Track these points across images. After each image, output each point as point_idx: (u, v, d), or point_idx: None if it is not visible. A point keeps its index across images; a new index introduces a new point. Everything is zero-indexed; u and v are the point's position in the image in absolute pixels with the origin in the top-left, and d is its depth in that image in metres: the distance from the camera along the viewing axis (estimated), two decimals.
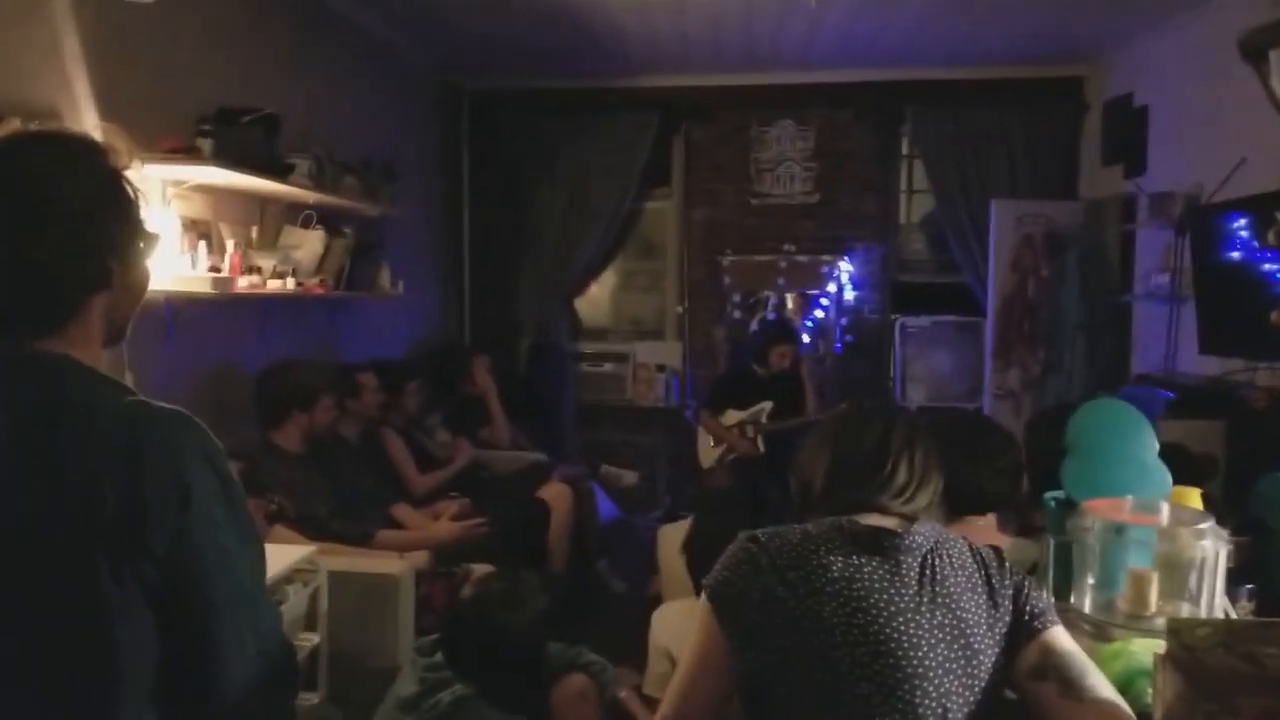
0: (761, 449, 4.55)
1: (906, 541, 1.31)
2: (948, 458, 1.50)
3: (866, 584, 1.27)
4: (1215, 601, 1.42)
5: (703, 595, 1.36)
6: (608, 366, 5.70)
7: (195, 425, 1.04)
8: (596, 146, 5.50)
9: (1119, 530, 1.51)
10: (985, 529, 1.89)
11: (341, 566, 2.63)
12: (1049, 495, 1.72)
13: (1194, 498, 1.65)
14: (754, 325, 5.52)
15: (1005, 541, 1.96)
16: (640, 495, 5.29)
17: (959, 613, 1.26)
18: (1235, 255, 3.60)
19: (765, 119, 5.58)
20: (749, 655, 1.30)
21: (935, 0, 4.12)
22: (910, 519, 1.38)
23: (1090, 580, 1.51)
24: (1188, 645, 1.14)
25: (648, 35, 4.64)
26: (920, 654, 1.22)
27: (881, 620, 1.24)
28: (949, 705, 1.22)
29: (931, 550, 1.31)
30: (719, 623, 1.32)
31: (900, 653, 1.22)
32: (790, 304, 5.65)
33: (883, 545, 1.30)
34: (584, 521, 4.20)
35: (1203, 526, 1.45)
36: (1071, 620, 1.45)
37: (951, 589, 1.28)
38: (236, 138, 3.10)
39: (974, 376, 5.39)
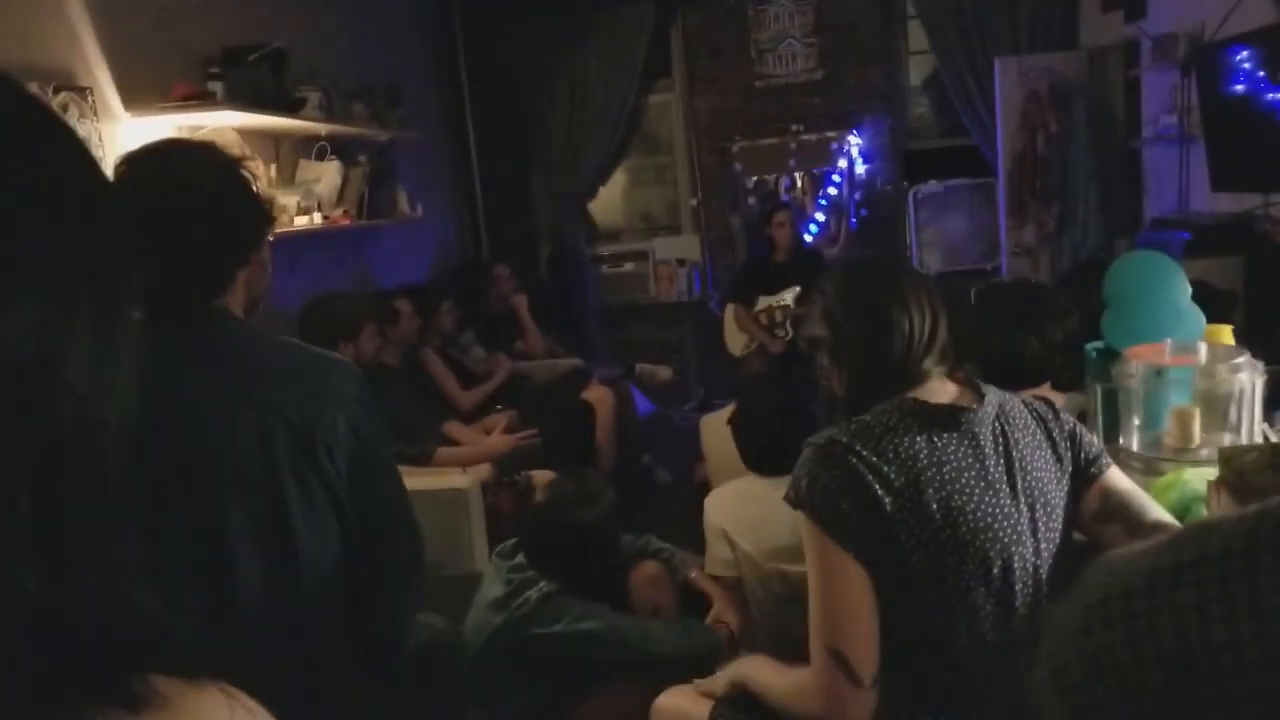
0: (789, 334, 4.64)
1: (979, 414, 1.33)
2: (1016, 328, 1.58)
3: (955, 465, 1.29)
4: (1255, 429, 1.53)
5: (801, 514, 1.32)
6: (628, 266, 5.74)
7: (350, 364, 1.33)
8: (594, 45, 5.39)
9: (1159, 373, 1.61)
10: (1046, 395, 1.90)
11: (411, 487, 2.75)
12: (1090, 346, 1.82)
13: (1226, 335, 1.74)
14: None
15: (1061, 399, 2.00)
16: (674, 389, 5.41)
17: (1035, 473, 1.33)
18: (1241, 89, 3.58)
19: None
20: (857, 553, 1.28)
21: None
22: (973, 387, 1.39)
23: (1136, 421, 1.61)
24: (1238, 470, 1.25)
25: None
26: (1011, 523, 1.29)
27: (976, 497, 1.28)
28: (1039, 563, 1.31)
29: (997, 417, 1.35)
30: (827, 534, 1.29)
31: (996, 525, 1.28)
32: (801, 184, 5.64)
33: (959, 422, 1.32)
34: (626, 420, 4.33)
35: (1238, 361, 1.54)
36: (1122, 460, 1.57)
37: (1024, 451, 1.34)
38: (247, 77, 3.11)
39: (989, 237, 5.41)
